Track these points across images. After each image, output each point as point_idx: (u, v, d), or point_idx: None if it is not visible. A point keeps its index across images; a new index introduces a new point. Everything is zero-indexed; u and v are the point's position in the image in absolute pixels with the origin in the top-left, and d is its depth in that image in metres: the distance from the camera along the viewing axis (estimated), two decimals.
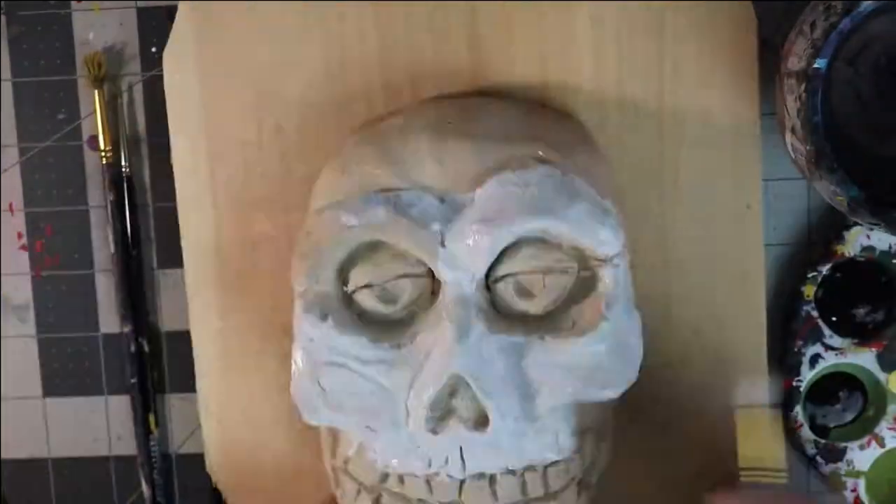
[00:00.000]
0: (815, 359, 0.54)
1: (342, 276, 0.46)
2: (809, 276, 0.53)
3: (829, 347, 0.53)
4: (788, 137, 0.46)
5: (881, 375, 0.53)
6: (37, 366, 0.56)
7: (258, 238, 0.52)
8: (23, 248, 0.55)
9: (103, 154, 0.54)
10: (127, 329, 0.55)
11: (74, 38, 0.54)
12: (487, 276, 0.45)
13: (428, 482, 0.46)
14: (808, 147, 0.44)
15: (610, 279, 0.45)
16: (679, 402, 0.52)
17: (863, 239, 0.53)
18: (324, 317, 0.45)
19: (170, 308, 0.56)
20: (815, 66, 0.43)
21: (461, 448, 0.45)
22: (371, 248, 0.46)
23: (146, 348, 0.55)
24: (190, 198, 0.52)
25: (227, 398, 0.53)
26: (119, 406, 0.56)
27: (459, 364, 0.43)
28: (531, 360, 0.44)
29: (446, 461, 0.45)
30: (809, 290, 0.53)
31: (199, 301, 0.53)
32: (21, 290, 0.56)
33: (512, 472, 0.45)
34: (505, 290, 0.45)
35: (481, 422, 0.44)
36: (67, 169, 0.55)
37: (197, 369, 0.53)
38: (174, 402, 0.56)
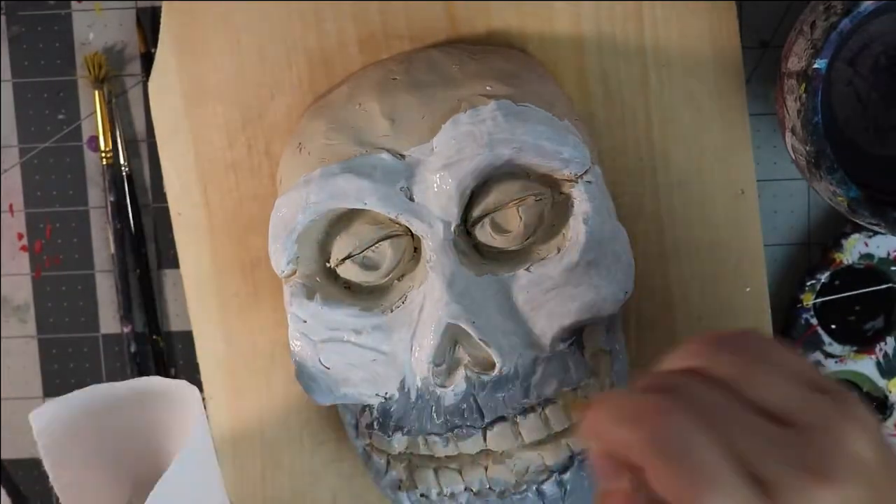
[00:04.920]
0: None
1: (323, 252, 0.46)
2: (808, 284, 0.53)
3: (828, 355, 0.53)
4: (788, 138, 0.46)
5: (881, 382, 0.53)
6: (37, 366, 0.56)
7: (255, 260, 0.51)
8: (23, 248, 0.55)
9: (103, 154, 0.54)
10: (127, 329, 0.55)
11: (74, 38, 0.54)
12: (466, 221, 0.45)
13: (450, 438, 0.46)
14: (808, 147, 0.44)
15: (584, 196, 0.45)
16: None
17: (861, 246, 0.52)
18: (311, 296, 0.45)
19: (170, 308, 0.56)
20: (815, 66, 0.43)
21: (474, 397, 0.45)
22: (345, 219, 0.46)
23: (146, 348, 0.55)
24: (184, 226, 0.52)
25: (239, 422, 0.53)
26: None
27: (452, 312, 0.43)
28: (522, 293, 0.44)
29: (463, 414, 0.45)
30: (808, 299, 0.53)
31: (203, 328, 0.52)
32: (21, 290, 0.56)
33: (532, 410, 0.45)
34: (483, 231, 0.45)
35: (487, 366, 0.44)
36: (67, 169, 0.55)
37: (206, 394, 0.53)
38: None
